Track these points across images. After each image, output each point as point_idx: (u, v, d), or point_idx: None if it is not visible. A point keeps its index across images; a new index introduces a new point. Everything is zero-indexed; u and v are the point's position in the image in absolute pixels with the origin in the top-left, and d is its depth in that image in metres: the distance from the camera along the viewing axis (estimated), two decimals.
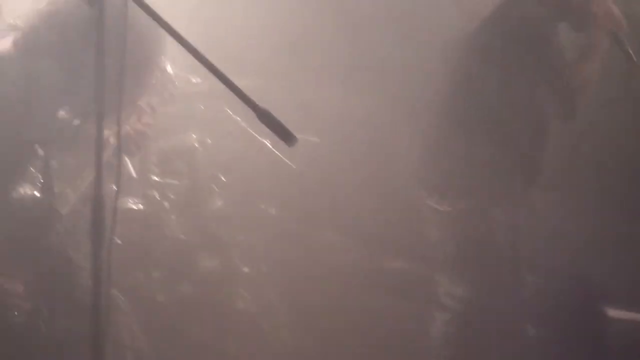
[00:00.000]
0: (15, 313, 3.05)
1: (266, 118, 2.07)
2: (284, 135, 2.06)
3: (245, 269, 4.77)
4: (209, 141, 4.76)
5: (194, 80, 4.54)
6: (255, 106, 2.07)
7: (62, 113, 3.24)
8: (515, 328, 4.01)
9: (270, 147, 4.82)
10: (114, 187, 2.47)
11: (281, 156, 4.84)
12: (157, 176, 4.53)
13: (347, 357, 4.62)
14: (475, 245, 3.87)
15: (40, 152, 3.24)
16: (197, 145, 4.69)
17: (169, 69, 3.44)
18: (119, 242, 4.09)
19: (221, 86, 4.79)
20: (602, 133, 4.59)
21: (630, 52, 3.79)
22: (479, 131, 3.81)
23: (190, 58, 4.22)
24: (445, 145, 3.94)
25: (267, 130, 4.80)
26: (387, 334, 4.72)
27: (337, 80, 5.13)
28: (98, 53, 2.24)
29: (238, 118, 4.80)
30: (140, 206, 4.32)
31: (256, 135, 4.81)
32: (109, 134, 3.29)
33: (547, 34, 3.80)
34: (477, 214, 3.87)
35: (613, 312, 4.29)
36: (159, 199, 4.44)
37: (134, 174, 4.26)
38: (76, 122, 3.37)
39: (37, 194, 3.33)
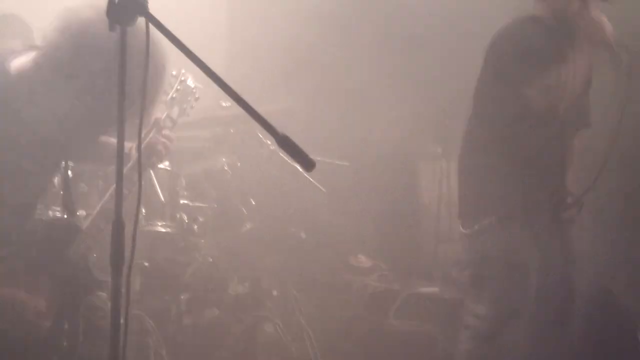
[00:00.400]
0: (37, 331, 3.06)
1: (285, 143, 2.06)
2: (302, 160, 2.05)
3: (275, 292, 4.76)
4: (239, 164, 4.77)
5: (224, 104, 4.56)
6: (274, 131, 2.07)
7: (83, 132, 3.28)
8: (538, 344, 4.00)
9: (301, 170, 4.82)
10: (135, 206, 2.44)
11: (311, 179, 4.84)
12: (186, 199, 4.54)
13: None
14: (498, 265, 3.82)
15: (63, 169, 3.27)
16: (226, 168, 4.71)
17: (189, 82, 3.47)
18: (146, 264, 4.17)
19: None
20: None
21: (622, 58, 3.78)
22: (499, 153, 3.81)
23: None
24: (469, 169, 3.94)
25: None
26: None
27: (366, 104, 5.14)
28: (120, 75, 2.25)
29: (268, 141, 4.81)
30: (169, 229, 4.33)
31: (286, 159, 4.81)
32: (130, 147, 3.35)
33: (561, 51, 3.79)
34: (500, 234, 3.83)
35: None
36: (187, 222, 4.44)
37: (162, 198, 4.27)
38: (99, 140, 3.41)
39: (59, 213, 3.37)
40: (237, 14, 5.94)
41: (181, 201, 4.49)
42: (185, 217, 4.40)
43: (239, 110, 4.61)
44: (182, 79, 3.47)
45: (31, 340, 3.05)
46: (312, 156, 4.75)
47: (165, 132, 3.38)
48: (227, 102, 4.58)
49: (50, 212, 3.57)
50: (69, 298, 3.17)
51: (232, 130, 4.74)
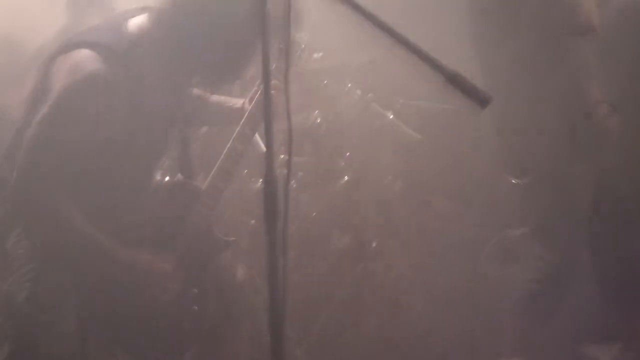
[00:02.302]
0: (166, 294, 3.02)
1: (456, 80, 1.96)
2: (477, 96, 1.96)
3: (374, 244, 4.69)
4: (331, 117, 4.68)
5: (315, 56, 4.49)
6: (442, 69, 1.97)
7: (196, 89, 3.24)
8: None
9: (394, 118, 4.75)
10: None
11: (405, 127, 4.75)
12: (284, 154, 4.47)
13: (476, 324, 4.48)
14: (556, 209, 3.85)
15: (177, 131, 3.22)
16: (320, 121, 4.62)
17: (298, 37, 3.40)
18: (252, 222, 4.12)
19: (343, 59, 4.76)
20: None
21: None
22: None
23: (311, 35, 4.15)
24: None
25: (390, 102, 4.75)
26: None
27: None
28: (262, 22, 2.17)
29: (359, 91, 4.74)
30: None
31: (379, 108, 4.75)
32: (243, 102, 3.29)
33: None
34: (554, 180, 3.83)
35: None
36: (287, 177, 4.37)
37: (263, 148, 4.20)
38: (210, 96, 3.36)
39: (176, 175, 3.31)
40: None
41: (280, 156, 4.42)
42: (285, 173, 4.33)
43: (330, 62, 4.57)
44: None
45: (161, 304, 3.02)
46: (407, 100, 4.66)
47: (274, 82, 3.29)
48: (318, 54, 4.50)
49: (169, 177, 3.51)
50: (195, 261, 3.13)
51: (325, 82, 4.66)
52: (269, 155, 2.21)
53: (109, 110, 2.75)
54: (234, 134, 3.14)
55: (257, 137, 4.10)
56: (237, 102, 3.38)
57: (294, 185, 4.47)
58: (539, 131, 3.81)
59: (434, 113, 4.81)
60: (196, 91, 3.29)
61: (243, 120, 3.18)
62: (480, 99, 1.94)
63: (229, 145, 3.15)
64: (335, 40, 4.70)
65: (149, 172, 3.16)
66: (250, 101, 3.28)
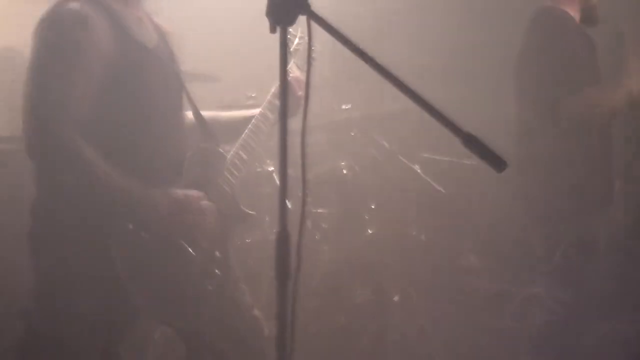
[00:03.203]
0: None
1: (471, 142, 1.93)
2: (492, 160, 1.92)
3: (396, 298, 4.64)
4: (357, 168, 4.66)
5: (343, 107, 4.47)
6: (458, 130, 1.94)
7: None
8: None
9: (419, 172, 4.72)
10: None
11: (430, 181, 4.72)
12: (308, 205, 4.44)
13: None
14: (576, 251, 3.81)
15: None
16: (345, 172, 4.60)
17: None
18: (271, 274, 4.07)
19: (369, 112, 4.75)
20: None
21: None
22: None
23: (340, 86, 4.14)
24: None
25: (416, 155, 4.72)
26: None
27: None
28: (282, 77, 2.16)
29: (385, 144, 4.72)
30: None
31: (405, 160, 4.71)
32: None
33: None
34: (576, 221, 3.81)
35: None
36: (310, 228, 4.35)
37: (289, 205, 4.18)
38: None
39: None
40: None
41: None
42: (309, 224, 4.31)
43: (358, 113, 4.56)
44: (301, 35, 3.39)
45: (191, 264, 2.95)
46: (431, 155, 4.64)
47: (295, 74, 3.27)
48: (346, 105, 4.49)
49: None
50: (220, 226, 3.07)
51: (352, 134, 4.64)
52: (282, 213, 2.18)
53: (93, 45, 2.72)
54: (258, 111, 3.22)
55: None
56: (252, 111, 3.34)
57: (317, 238, 4.44)
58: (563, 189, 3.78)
59: (459, 168, 4.77)
60: (207, 113, 3.27)
61: (268, 97, 3.25)
62: (496, 163, 1.89)
63: (253, 121, 3.20)
64: (363, 92, 4.70)
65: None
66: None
